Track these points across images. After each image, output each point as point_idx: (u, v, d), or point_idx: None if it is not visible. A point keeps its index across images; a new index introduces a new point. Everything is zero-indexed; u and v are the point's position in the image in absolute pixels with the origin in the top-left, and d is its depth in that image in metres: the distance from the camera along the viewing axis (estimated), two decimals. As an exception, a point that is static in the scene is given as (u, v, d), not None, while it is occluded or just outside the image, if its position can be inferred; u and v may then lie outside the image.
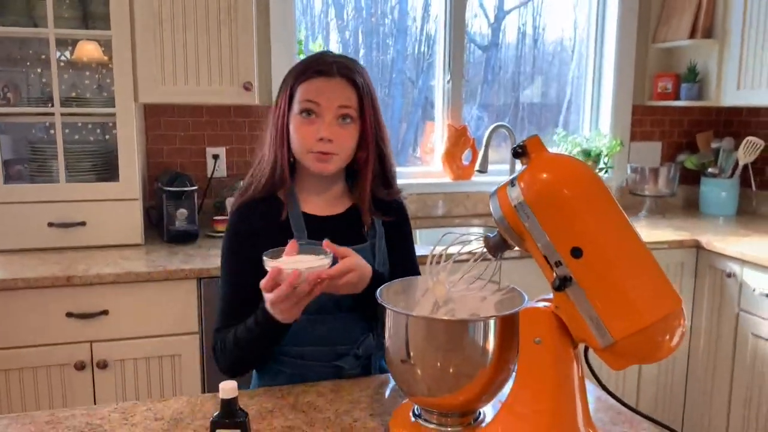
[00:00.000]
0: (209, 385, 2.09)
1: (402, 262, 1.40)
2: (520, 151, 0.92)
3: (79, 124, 2.45)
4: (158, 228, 2.44)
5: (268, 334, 1.19)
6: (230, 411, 0.92)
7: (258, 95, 2.40)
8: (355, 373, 1.31)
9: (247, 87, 2.30)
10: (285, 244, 1.19)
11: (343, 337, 1.31)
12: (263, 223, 1.30)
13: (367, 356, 1.33)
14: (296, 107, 1.27)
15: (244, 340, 1.22)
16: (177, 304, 2.03)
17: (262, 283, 1.09)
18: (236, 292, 1.30)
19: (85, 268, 1.99)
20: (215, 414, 0.93)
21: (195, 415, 1.12)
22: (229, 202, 2.54)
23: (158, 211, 2.43)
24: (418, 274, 1.37)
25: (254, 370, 1.38)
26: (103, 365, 1.98)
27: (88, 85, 2.44)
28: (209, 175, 2.62)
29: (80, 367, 1.96)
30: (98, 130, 2.48)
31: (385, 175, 1.38)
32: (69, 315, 1.94)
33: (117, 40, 2.17)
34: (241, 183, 1.38)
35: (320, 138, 1.25)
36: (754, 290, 2.28)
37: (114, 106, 2.22)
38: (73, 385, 1.98)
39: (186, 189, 2.33)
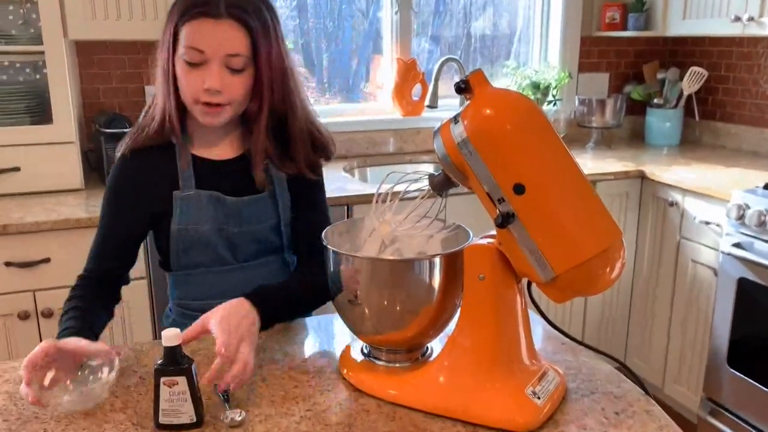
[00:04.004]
0: (160, 331, 2.06)
1: (305, 231, 1.28)
2: (463, 86, 0.90)
3: (6, 63, 2.31)
4: (98, 172, 2.35)
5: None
6: (174, 358, 0.91)
7: (197, 30, 2.29)
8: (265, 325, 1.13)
9: (185, 21, 2.19)
10: (174, 188, 1.21)
11: (247, 289, 1.14)
12: (151, 172, 1.23)
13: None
14: (180, 50, 1.13)
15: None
16: (122, 250, 1.97)
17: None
18: (110, 237, 1.25)
19: (21, 216, 1.91)
20: (158, 362, 0.91)
21: (140, 362, 1.10)
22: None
23: (97, 154, 2.34)
24: (321, 247, 1.03)
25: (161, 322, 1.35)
26: (48, 314, 1.93)
27: (12, 20, 2.29)
28: (150, 116, 2.52)
29: (24, 316, 1.91)
30: (28, 70, 2.34)
31: (292, 134, 1.24)
32: (8, 264, 1.88)
33: (40, -29, 2.03)
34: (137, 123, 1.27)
35: (206, 88, 1.12)
36: (694, 218, 2.36)
37: (42, 43, 2.09)
38: (17, 335, 1.93)
39: (125, 131, 2.22)
